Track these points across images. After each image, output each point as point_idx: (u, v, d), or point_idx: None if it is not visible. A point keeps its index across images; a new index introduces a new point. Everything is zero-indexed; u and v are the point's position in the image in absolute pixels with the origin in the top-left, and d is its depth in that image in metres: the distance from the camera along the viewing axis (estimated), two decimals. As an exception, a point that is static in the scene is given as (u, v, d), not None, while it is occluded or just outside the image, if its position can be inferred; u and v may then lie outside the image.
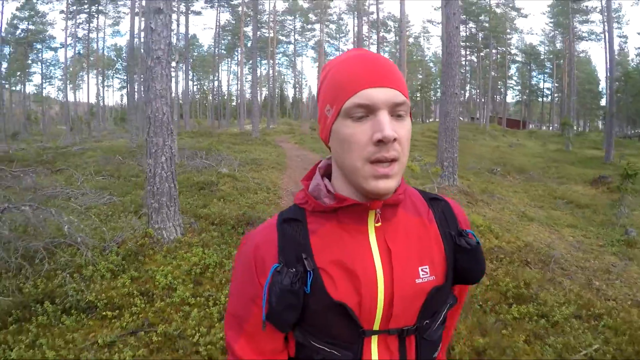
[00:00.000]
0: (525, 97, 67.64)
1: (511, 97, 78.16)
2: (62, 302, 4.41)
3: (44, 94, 52.99)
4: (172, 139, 6.23)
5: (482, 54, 54.22)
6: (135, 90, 23.06)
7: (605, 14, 36.19)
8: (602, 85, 60.55)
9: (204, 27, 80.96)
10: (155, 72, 5.84)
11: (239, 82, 55.25)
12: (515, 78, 66.64)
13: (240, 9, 41.99)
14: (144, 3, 24.44)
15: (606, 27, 27.58)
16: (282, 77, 75.79)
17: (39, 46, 43.16)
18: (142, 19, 25.26)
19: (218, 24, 46.82)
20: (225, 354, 3.76)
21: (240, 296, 1.05)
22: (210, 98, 68.82)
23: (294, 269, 0.96)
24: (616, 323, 4.63)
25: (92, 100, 54.49)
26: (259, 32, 34.84)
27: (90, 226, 6.35)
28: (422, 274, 1.02)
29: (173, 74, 26.35)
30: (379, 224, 1.02)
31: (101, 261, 5.27)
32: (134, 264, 5.35)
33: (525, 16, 52.79)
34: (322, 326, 0.99)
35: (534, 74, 63.19)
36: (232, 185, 10.23)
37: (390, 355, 1.02)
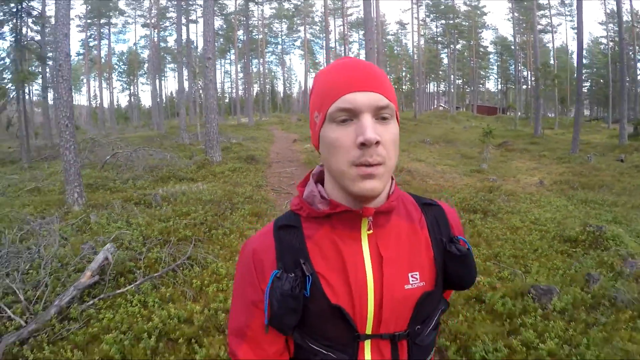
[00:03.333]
0: (502, 85, 73.78)
1: (493, 86, 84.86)
2: (179, 177, 11.27)
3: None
4: (217, 116, 13.31)
5: (457, 47, 60.18)
6: (157, 90, 29.60)
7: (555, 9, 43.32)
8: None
9: (200, 33, 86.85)
10: (209, 87, 13.10)
11: (232, 81, 62.29)
12: (495, 68, 72.76)
13: (232, 16, 48.47)
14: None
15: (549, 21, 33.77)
16: (272, 74, 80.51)
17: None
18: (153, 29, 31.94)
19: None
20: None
21: (243, 301, 1.11)
22: (203, 96, 74.97)
23: (293, 274, 1.02)
24: (419, 186, 11.26)
25: (86, 102, 60.28)
26: (249, 35, 41.79)
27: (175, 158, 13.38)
28: (412, 280, 1.06)
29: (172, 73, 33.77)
30: (371, 231, 1.06)
31: (188, 168, 12.27)
32: (203, 169, 12.34)
33: (485, 14, 58.85)
34: (320, 329, 1.05)
35: (511, 62, 68.43)
36: (240, 148, 17.53)
37: (382, 359, 1.07)
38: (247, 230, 6.88)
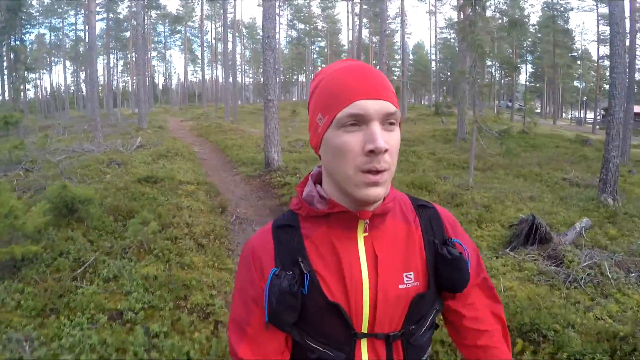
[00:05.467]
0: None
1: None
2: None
3: None
4: (146, 105, 25.13)
5: (321, 45, 73.63)
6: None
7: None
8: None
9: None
10: (140, 86, 24.68)
11: (116, 75, 71.32)
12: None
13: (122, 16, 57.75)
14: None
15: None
16: (152, 66, 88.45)
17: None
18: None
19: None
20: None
21: (243, 299, 1.17)
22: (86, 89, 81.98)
23: (291, 272, 1.08)
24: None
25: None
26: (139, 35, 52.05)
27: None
28: (406, 280, 1.13)
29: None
30: (366, 233, 1.13)
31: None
32: (142, 130, 24.09)
33: (339, 21, 72.63)
34: (317, 326, 1.11)
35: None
36: (153, 127, 28.78)
37: (378, 358, 1.13)
38: (175, 140, 18.82)
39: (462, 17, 17.08)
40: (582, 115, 54.96)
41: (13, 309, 4.48)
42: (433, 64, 69.42)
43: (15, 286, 4.87)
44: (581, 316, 4.64)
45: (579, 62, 53.71)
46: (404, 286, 1.12)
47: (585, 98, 54.81)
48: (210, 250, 6.55)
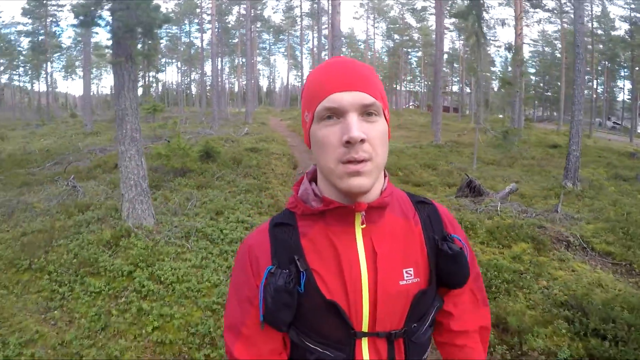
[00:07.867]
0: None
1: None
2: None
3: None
4: (252, 105, 31.44)
5: (418, 54, 77.61)
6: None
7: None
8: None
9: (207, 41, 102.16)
10: (248, 91, 31.02)
11: (227, 78, 79.32)
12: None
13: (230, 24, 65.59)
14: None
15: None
16: (257, 70, 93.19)
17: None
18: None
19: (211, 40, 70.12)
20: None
21: (238, 298, 1.18)
22: (196, 89, 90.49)
23: (287, 270, 1.09)
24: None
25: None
26: (245, 42, 59.36)
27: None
28: (407, 276, 1.13)
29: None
30: (364, 225, 1.13)
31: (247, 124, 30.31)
32: (250, 124, 30.23)
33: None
34: (315, 325, 1.12)
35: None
36: (255, 121, 34.99)
37: (379, 358, 1.13)
38: (273, 132, 24.79)
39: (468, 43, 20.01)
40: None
41: (183, 186, 10.71)
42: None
43: (183, 180, 11.10)
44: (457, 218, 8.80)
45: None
46: (405, 282, 1.13)
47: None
48: (282, 179, 12.32)
